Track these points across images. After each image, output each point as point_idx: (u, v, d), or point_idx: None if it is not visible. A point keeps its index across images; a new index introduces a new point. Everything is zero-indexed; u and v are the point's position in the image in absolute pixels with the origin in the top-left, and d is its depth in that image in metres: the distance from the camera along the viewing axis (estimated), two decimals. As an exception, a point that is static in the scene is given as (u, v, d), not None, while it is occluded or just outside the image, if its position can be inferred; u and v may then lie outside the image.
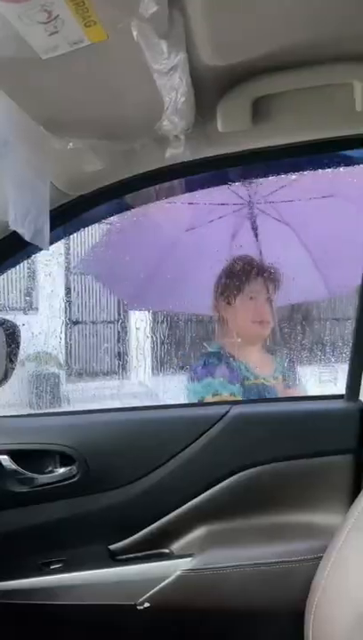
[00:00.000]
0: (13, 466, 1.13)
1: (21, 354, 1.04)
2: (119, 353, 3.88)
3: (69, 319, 3.91)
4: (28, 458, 1.14)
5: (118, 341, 3.93)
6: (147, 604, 1.05)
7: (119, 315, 4.00)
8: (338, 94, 0.85)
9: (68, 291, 3.89)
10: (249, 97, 0.84)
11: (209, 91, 0.81)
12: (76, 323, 4.03)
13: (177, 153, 0.87)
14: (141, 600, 1.06)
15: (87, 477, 1.13)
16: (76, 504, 1.14)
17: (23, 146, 0.79)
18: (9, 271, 1.11)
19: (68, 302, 3.85)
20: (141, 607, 1.06)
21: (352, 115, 0.87)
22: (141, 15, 0.57)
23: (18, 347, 1.02)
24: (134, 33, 0.59)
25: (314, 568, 0.91)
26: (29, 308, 3.58)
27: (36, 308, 3.61)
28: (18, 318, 1.08)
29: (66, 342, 3.76)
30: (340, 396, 1.22)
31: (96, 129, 0.84)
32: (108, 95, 0.79)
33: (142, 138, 0.86)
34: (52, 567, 1.12)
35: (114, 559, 1.13)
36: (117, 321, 4.01)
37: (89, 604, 1.08)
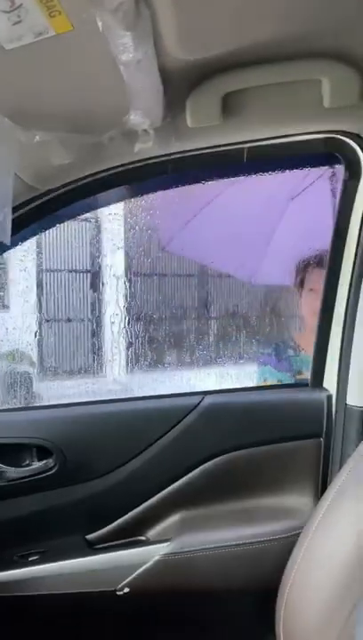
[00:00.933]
0: (-10, 460, 1.12)
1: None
2: (94, 350, 3.84)
3: (43, 316, 3.85)
4: (5, 452, 1.14)
5: (93, 338, 3.90)
6: (126, 590, 1.07)
7: (93, 311, 3.97)
8: (306, 91, 0.86)
9: (40, 288, 3.83)
10: (219, 92, 0.84)
11: (178, 85, 0.81)
12: (48, 320, 3.97)
13: (146, 147, 0.87)
14: (120, 586, 1.07)
15: (64, 469, 1.13)
16: (53, 496, 1.14)
17: (-13, 138, 0.77)
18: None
19: (40, 299, 3.79)
20: (121, 593, 1.07)
21: (320, 111, 0.89)
22: (107, 6, 0.57)
23: None
24: (99, 24, 0.58)
25: (286, 547, 0.94)
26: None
27: (7, 306, 3.55)
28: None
29: (39, 340, 3.71)
30: (306, 384, 1.26)
31: (63, 121, 0.83)
32: (75, 87, 0.77)
33: (111, 131, 0.85)
34: (29, 559, 1.12)
35: (91, 548, 1.14)
36: (91, 318, 3.98)
37: (69, 592, 1.09)
